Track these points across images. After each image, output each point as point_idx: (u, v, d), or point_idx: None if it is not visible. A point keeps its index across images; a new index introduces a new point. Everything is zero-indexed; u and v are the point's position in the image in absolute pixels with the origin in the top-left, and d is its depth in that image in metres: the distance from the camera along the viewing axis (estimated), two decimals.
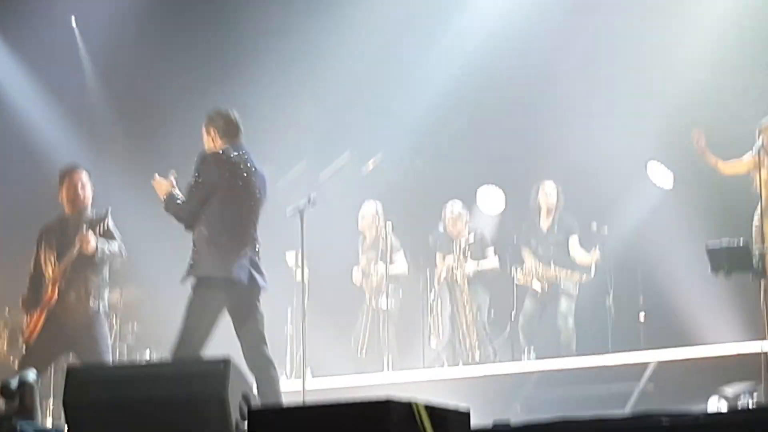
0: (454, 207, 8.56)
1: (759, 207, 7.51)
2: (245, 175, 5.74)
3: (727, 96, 8.36)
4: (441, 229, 8.67)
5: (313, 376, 7.67)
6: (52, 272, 6.48)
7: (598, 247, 8.33)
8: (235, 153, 5.74)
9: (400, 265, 8.72)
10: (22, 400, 5.26)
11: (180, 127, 8.86)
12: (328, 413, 3.14)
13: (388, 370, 8.39)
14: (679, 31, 8.69)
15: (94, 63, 10.42)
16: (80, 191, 6.56)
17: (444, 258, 8.59)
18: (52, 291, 6.46)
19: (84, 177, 6.62)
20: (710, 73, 8.38)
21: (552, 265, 8.33)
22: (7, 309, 8.16)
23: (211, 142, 5.83)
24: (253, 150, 6.32)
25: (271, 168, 7.11)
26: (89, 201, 6.59)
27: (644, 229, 9.03)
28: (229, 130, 5.86)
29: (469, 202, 8.96)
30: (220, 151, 5.66)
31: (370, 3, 9.59)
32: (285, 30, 9.71)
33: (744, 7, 8.54)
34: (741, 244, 7.13)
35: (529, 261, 8.39)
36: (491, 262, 8.62)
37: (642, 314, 8.53)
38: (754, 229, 7.51)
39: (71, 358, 6.76)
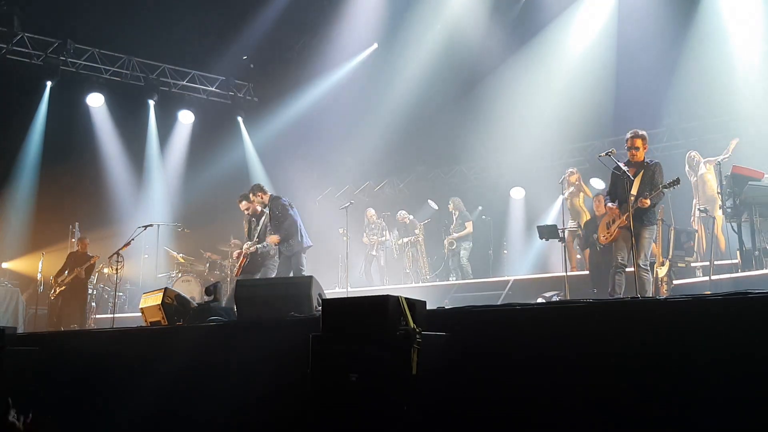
0: (404, 212, 12.47)
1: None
2: (289, 205, 9.15)
3: None
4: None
5: (351, 287, 10.71)
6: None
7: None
8: (281, 198, 9.20)
9: (387, 236, 12.83)
10: (216, 295, 6.83)
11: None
12: (355, 302, 3.96)
13: (384, 284, 12.12)
14: None
15: None
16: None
17: (408, 234, 12.31)
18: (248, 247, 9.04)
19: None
20: None
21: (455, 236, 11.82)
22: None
23: (262, 195, 9.14)
24: (324, 182, 10.58)
25: (333, 188, 11.51)
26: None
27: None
28: (265, 190, 9.30)
29: (419, 208, 12.67)
30: (277, 197, 9.14)
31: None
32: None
33: None
34: (549, 224, 9.88)
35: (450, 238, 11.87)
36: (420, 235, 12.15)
37: (505, 252, 12.16)
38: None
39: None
